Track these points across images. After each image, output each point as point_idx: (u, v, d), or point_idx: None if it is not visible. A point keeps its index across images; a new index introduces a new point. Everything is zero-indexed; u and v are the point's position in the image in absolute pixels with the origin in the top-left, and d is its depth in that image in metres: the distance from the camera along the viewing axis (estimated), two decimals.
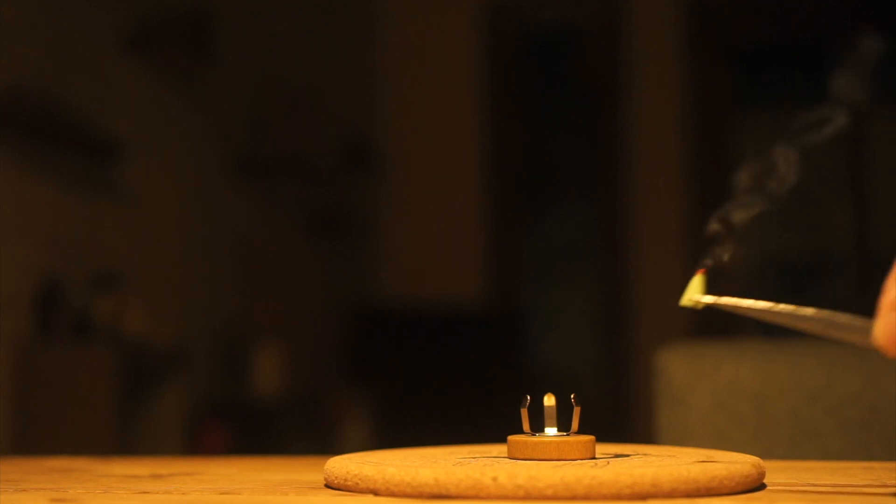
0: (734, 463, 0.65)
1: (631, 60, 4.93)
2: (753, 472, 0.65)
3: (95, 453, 1.04)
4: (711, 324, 4.57)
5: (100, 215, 3.12)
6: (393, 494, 0.63)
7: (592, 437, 0.71)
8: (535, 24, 5.36)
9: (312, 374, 4.43)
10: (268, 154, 4.03)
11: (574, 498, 0.59)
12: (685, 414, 1.11)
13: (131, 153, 3.17)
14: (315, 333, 4.54)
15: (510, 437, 0.71)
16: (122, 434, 2.75)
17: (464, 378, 4.48)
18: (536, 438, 0.70)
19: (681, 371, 1.13)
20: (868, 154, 4.63)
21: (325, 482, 0.70)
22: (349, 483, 0.66)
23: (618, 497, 0.60)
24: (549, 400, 0.72)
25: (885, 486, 0.69)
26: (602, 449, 0.74)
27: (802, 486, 0.67)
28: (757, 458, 0.68)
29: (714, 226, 0.67)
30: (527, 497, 0.60)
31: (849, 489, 0.66)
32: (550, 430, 0.71)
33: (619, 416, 4.54)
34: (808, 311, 0.67)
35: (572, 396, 0.72)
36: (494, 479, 0.60)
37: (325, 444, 4.05)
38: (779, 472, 0.72)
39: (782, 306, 0.67)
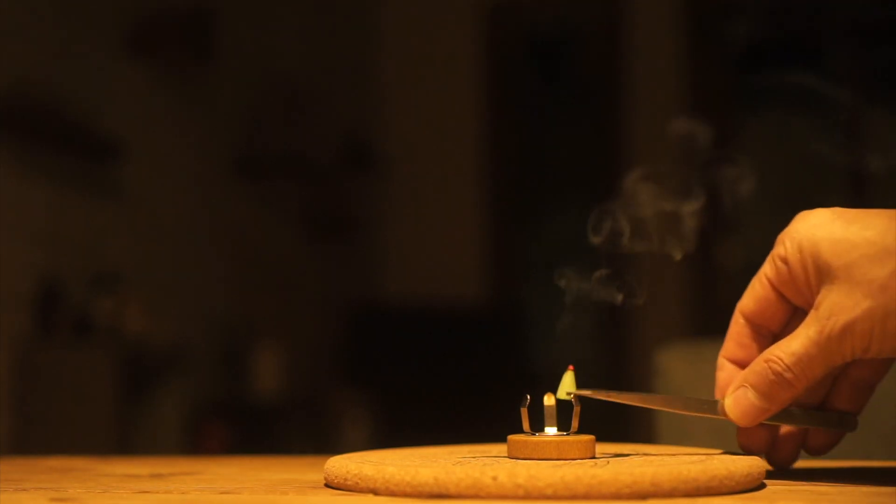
0: (734, 462, 0.65)
1: (631, 60, 4.93)
2: (753, 472, 0.65)
3: (95, 453, 1.04)
4: (711, 324, 4.57)
5: (100, 215, 3.12)
6: (393, 494, 0.63)
7: (592, 437, 0.71)
8: (534, 24, 5.36)
9: (312, 374, 4.43)
10: (268, 154, 4.03)
11: (574, 497, 0.59)
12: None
13: (131, 153, 3.17)
14: (315, 333, 4.54)
15: (510, 437, 0.71)
16: (122, 434, 2.75)
17: (464, 378, 4.48)
18: (536, 438, 0.70)
19: (681, 371, 1.13)
20: (868, 154, 4.63)
21: (325, 482, 0.70)
22: (349, 483, 0.66)
23: (618, 496, 0.60)
24: (549, 400, 0.72)
25: (885, 486, 0.69)
26: (602, 449, 0.74)
27: (802, 485, 0.67)
28: (757, 458, 0.68)
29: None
30: (527, 496, 0.60)
31: (849, 489, 0.66)
32: (550, 430, 0.71)
33: (619, 416, 4.53)
34: (677, 398, 0.74)
35: (573, 396, 0.72)
36: (494, 478, 0.60)
37: (325, 444, 4.05)
38: (779, 472, 0.72)
39: (653, 396, 0.73)
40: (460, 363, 4.56)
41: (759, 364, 0.68)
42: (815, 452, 0.73)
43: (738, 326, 0.73)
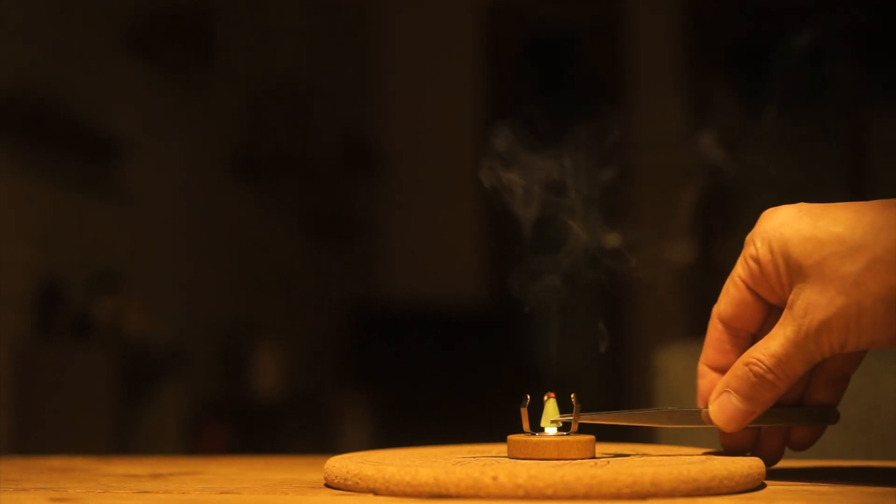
0: (734, 462, 0.65)
1: (631, 60, 4.93)
2: (753, 472, 0.65)
3: (95, 453, 1.05)
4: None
5: (100, 215, 3.12)
6: (393, 494, 0.63)
7: (592, 437, 0.71)
8: (534, 24, 5.36)
9: (312, 374, 4.43)
10: (268, 154, 4.03)
11: (574, 497, 0.59)
12: None
13: (131, 153, 3.17)
14: (315, 333, 4.54)
15: (510, 437, 0.71)
16: (122, 434, 2.75)
17: (464, 378, 4.48)
18: (536, 438, 0.70)
19: (681, 371, 1.13)
20: (868, 154, 4.63)
21: (325, 482, 0.70)
22: (349, 483, 0.66)
23: (618, 497, 0.60)
24: (549, 395, 0.72)
25: (885, 485, 0.69)
26: (602, 449, 0.74)
27: (802, 486, 0.67)
28: (757, 458, 0.68)
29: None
30: (527, 496, 0.60)
31: (849, 489, 0.66)
32: (550, 430, 0.71)
33: None
34: (660, 412, 0.74)
35: (572, 396, 0.72)
36: (494, 478, 0.60)
37: (325, 444, 4.05)
38: (779, 472, 0.72)
39: (636, 413, 0.73)
40: (460, 363, 4.56)
41: (739, 368, 0.68)
42: (799, 447, 0.73)
43: (716, 332, 0.73)
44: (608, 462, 0.67)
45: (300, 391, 4.13)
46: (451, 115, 5.16)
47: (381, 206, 5.15)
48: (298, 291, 4.39)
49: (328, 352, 4.65)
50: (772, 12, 4.80)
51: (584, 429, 0.71)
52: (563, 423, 0.72)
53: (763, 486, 0.66)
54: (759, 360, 0.67)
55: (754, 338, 0.71)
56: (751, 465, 0.65)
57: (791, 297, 0.66)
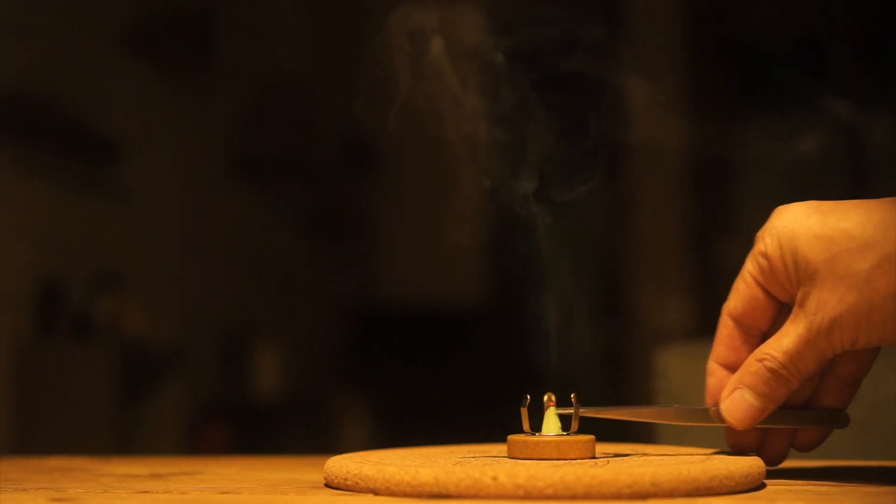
0: (734, 462, 0.65)
1: (631, 60, 4.93)
2: (753, 472, 0.65)
3: (95, 453, 1.05)
4: (711, 324, 4.57)
5: (100, 215, 3.12)
6: (393, 494, 0.63)
7: (592, 437, 0.71)
8: (534, 24, 5.35)
9: (312, 374, 4.43)
10: (268, 154, 4.03)
11: (574, 497, 0.59)
12: None
13: (131, 153, 3.17)
14: (315, 333, 4.54)
15: (510, 437, 0.71)
16: (122, 434, 2.75)
17: (464, 378, 4.48)
18: (536, 438, 0.70)
19: (681, 371, 1.13)
20: (868, 154, 4.64)
21: (325, 482, 0.70)
22: (349, 483, 0.66)
23: (618, 496, 0.60)
24: (550, 400, 0.72)
25: (885, 485, 0.69)
26: (602, 449, 0.74)
27: (802, 485, 0.67)
28: (757, 458, 0.68)
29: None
30: (527, 496, 0.60)
31: (849, 489, 0.66)
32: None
33: None
34: (668, 409, 0.75)
35: (572, 396, 0.72)
36: (494, 478, 0.60)
37: (325, 444, 4.05)
38: (779, 472, 0.72)
39: (642, 409, 0.73)
40: (460, 363, 4.56)
41: (752, 364, 0.68)
42: (805, 448, 0.73)
43: (727, 329, 0.73)
44: (608, 462, 0.67)
45: (300, 391, 4.13)
46: (452, 114, 5.16)
47: (381, 206, 5.15)
48: (298, 291, 4.39)
49: (328, 352, 4.66)
50: (772, 12, 4.80)
51: (584, 429, 0.71)
52: (565, 416, 0.71)
53: (763, 486, 0.66)
54: (773, 356, 0.67)
55: (765, 335, 0.71)
56: (751, 464, 0.65)
57: (801, 293, 0.66)
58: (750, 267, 0.70)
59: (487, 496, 0.60)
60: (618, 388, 4.75)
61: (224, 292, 3.84)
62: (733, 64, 4.88)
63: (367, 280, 5.06)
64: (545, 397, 0.72)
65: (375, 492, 0.64)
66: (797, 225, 0.66)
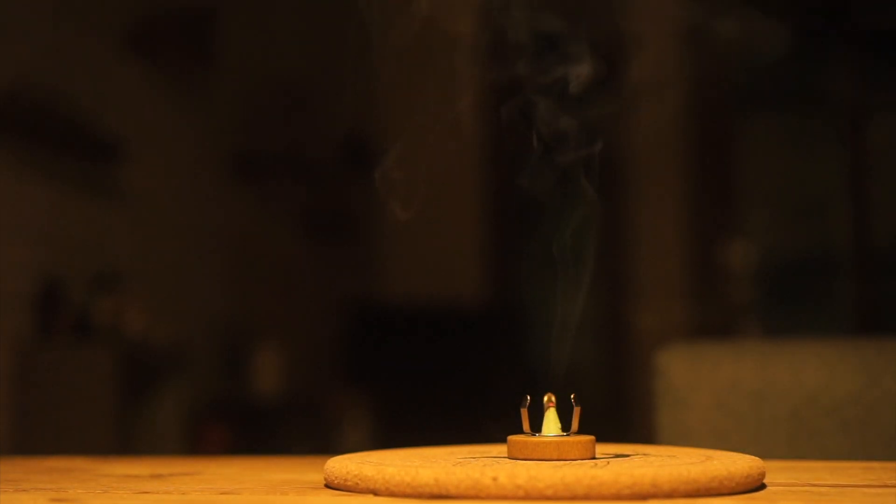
0: (734, 463, 0.65)
1: (631, 59, 4.93)
2: (753, 472, 0.65)
3: (95, 453, 1.05)
4: (711, 324, 4.57)
5: (100, 215, 3.12)
6: (393, 494, 0.63)
7: (592, 437, 0.71)
8: (534, 24, 5.35)
9: (312, 374, 4.43)
10: (267, 153, 4.03)
11: (574, 498, 0.59)
12: (685, 414, 1.11)
13: (131, 153, 3.17)
14: (315, 333, 4.54)
15: (510, 437, 0.71)
16: (122, 434, 2.75)
17: (464, 378, 4.48)
18: (536, 438, 0.70)
19: (681, 371, 1.13)
20: (868, 154, 4.63)
21: (325, 482, 0.70)
22: (349, 483, 0.66)
23: (618, 497, 0.60)
24: (550, 400, 0.72)
25: (885, 486, 0.69)
26: (602, 449, 0.74)
27: (802, 486, 0.67)
28: (757, 458, 0.68)
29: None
30: (527, 497, 0.60)
31: (849, 489, 0.66)
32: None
33: (619, 416, 4.54)
34: None
35: (572, 396, 0.72)
36: (494, 479, 0.60)
37: (325, 444, 4.05)
38: (779, 472, 0.72)
39: None
40: (460, 363, 4.56)
41: None
42: None
43: None
44: (608, 463, 0.67)
45: (300, 391, 4.13)
46: (451, 115, 5.16)
47: (381, 206, 5.14)
48: (298, 291, 4.39)
49: (328, 352, 4.65)
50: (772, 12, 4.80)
51: (584, 429, 0.71)
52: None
53: (763, 486, 0.66)
54: None
55: None
56: (751, 465, 0.65)
57: None
58: None
59: (487, 497, 0.60)
60: (618, 389, 4.75)
61: (224, 292, 3.84)
62: (736, 64, 4.87)
63: (367, 280, 5.06)
64: (545, 398, 0.72)
65: (376, 492, 0.64)
66: None
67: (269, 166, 4.03)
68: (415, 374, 4.57)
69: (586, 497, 0.59)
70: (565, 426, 0.71)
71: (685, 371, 1.13)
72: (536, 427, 0.71)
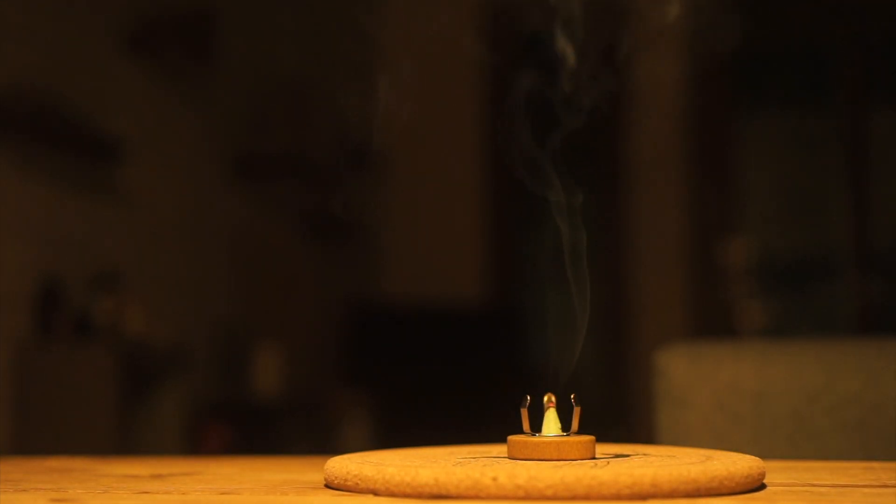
0: (734, 463, 0.65)
1: (631, 59, 4.93)
2: (753, 472, 0.65)
3: (95, 453, 1.05)
4: (711, 324, 4.57)
5: (100, 215, 3.12)
6: (393, 494, 0.63)
7: (592, 437, 0.71)
8: (534, 23, 5.35)
9: (312, 374, 4.43)
10: (268, 154, 4.03)
11: (574, 498, 0.59)
12: (685, 414, 1.11)
13: (131, 153, 3.17)
14: (315, 333, 4.54)
15: (510, 437, 0.71)
16: (122, 434, 2.75)
17: (464, 378, 4.48)
18: (536, 438, 0.70)
19: (681, 371, 1.13)
20: (868, 154, 4.63)
21: (325, 482, 0.70)
22: (349, 483, 0.66)
23: (618, 497, 0.60)
24: (550, 400, 0.72)
25: (885, 486, 0.69)
26: (602, 449, 0.74)
27: (802, 486, 0.67)
28: (757, 458, 0.68)
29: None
30: (527, 497, 0.60)
31: (849, 489, 0.66)
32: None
33: (619, 416, 4.54)
34: None
35: (572, 396, 0.72)
36: (494, 479, 0.60)
37: (325, 444, 4.05)
38: (779, 472, 0.72)
39: None
40: (460, 363, 4.56)
41: None
42: None
43: None
44: (608, 463, 0.67)
45: (300, 391, 4.13)
46: (452, 115, 5.16)
47: (380, 206, 5.15)
48: (298, 291, 4.39)
49: (328, 352, 4.65)
50: (772, 12, 4.80)
51: (584, 429, 0.71)
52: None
53: (763, 486, 0.66)
54: None
55: None
56: (751, 465, 0.65)
57: None
58: None
59: (487, 497, 0.60)
60: (618, 389, 4.75)
61: (224, 292, 3.84)
62: (735, 64, 4.87)
63: (367, 280, 5.06)
64: (545, 398, 0.72)
65: (375, 493, 0.64)
66: None
67: (269, 166, 4.03)
68: (415, 374, 4.57)
69: (586, 497, 0.59)
70: (565, 426, 0.71)
71: (685, 371, 1.13)
72: (536, 427, 0.71)
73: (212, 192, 3.79)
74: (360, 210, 4.89)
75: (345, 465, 0.67)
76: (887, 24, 4.66)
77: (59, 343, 2.76)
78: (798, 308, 4.82)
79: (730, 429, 1.10)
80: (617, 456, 0.71)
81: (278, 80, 4.22)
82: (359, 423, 4.29)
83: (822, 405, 1.09)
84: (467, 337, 4.73)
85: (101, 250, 3.10)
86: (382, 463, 0.67)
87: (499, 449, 0.75)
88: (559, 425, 0.71)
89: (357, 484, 0.65)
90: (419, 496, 0.61)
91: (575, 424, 0.71)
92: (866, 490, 0.66)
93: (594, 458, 0.70)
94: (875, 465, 0.81)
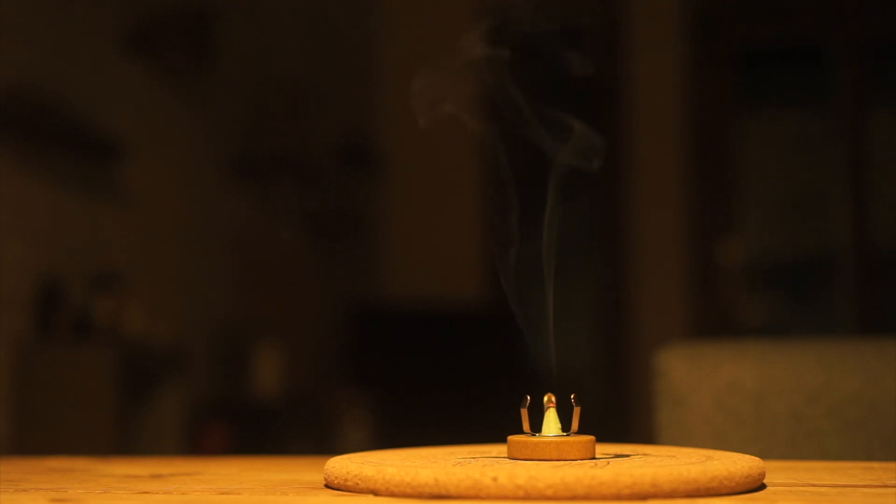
0: (734, 463, 0.65)
1: (631, 59, 4.93)
2: (753, 472, 0.65)
3: (95, 453, 1.05)
4: (711, 324, 4.57)
5: (100, 215, 3.12)
6: (393, 494, 0.63)
7: (592, 437, 0.71)
8: (534, 23, 5.35)
9: (312, 374, 4.43)
10: (268, 154, 4.03)
11: (574, 498, 0.59)
12: (685, 414, 1.11)
13: (131, 153, 3.17)
14: (315, 333, 4.54)
15: (510, 437, 0.71)
16: (122, 434, 2.75)
17: (464, 378, 4.48)
18: (536, 438, 0.70)
19: (681, 371, 1.13)
20: (868, 154, 4.63)
21: (325, 482, 0.70)
22: (349, 483, 0.66)
23: (618, 497, 0.60)
24: (550, 400, 0.72)
25: (885, 486, 0.69)
26: (602, 449, 0.74)
27: (802, 486, 0.67)
28: (757, 458, 0.68)
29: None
30: (527, 497, 0.60)
31: (849, 489, 0.66)
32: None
33: (619, 416, 4.54)
34: None
35: (572, 396, 0.72)
36: (494, 479, 0.60)
37: (325, 444, 4.05)
38: (779, 472, 0.72)
39: None
40: (460, 363, 4.56)
41: None
42: None
43: None
44: (608, 463, 0.67)
45: (300, 391, 4.13)
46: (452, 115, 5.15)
47: (380, 205, 5.15)
48: (298, 291, 4.39)
49: (328, 352, 4.65)
50: (773, 12, 4.80)
51: (584, 429, 0.71)
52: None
53: (763, 486, 0.66)
54: None
55: None
56: (751, 465, 0.65)
57: None
58: None
59: (487, 497, 0.60)
60: (618, 389, 4.74)
61: (224, 292, 3.84)
62: (735, 64, 4.87)
63: (366, 280, 5.06)
64: (545, 398, 0.72)
65: (375, 493, 0.64)
66: None
67: (270, 166, 4.03)
68: (415, 374, 4.57)
69: (586, 497, 0.59)
70: (565, 426, 0.71)
71: (685, 371, 1.13)
72: (536, 427, 0.71)
73: (212, 192, 3.79)
74: (360, 210, 4.89)
75: (345, 465, 0.67)
76: (887, 25, 4.66)
77: (59, 343, 2.76)
78: (798, 308, 4.82)
79: (730, 429, 1.10)
80: (617, 456, 0.71)
81: (278, 80, 4.22)
82: (359, 423, 4.29)
83: (822, 405, 1.09)
84: (467, 337, 4.73)
85: (101, 250, 3.10)
86: (382, 463, 0.67)
87: (499, 449, 0.75)
88: (559, 425, 0.71)
89: (357, 484, 0.65)
90: (419, 496, 0.61)
91: (575, 424, 0.71)
92: (866, 490, 0.66)
93: (594, 458, 0.70)
94: (875, 465, 0.81)
